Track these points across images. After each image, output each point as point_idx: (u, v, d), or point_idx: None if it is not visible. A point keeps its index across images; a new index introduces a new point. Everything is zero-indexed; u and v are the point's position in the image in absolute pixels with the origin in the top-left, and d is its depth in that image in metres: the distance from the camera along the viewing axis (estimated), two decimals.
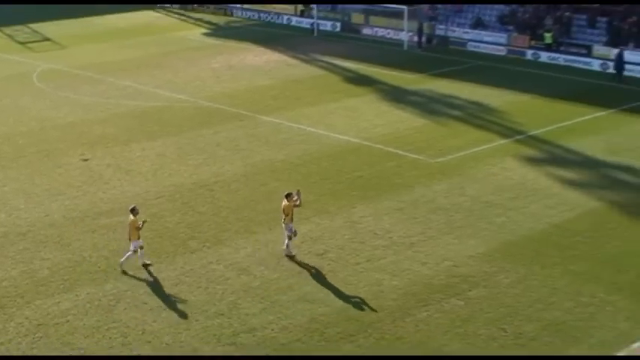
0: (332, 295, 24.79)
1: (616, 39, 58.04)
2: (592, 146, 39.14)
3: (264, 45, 64.00)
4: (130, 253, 26.26)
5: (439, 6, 67.52)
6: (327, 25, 70.19)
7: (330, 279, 25.85)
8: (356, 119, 43.75)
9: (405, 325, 23.08)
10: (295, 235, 27.42)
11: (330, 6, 71.73)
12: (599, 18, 60.48)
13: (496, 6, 66.03)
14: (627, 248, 28.09)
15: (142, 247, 26.34)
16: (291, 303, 24.27)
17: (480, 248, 27.96)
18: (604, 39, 58.80)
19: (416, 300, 24.50)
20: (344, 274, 26.09)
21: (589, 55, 58.02)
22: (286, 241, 27.39)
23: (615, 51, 55.79)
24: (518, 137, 40.78)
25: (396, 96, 48.84)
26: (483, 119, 44.14)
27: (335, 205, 31.82)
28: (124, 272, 26.18)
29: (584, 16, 61.39)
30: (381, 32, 67.47)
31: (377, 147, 38.95)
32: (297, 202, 27.33)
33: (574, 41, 60.28)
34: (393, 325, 23.11)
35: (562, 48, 59.61)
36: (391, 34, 65.89)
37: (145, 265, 26.52)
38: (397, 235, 28.79)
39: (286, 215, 27.16)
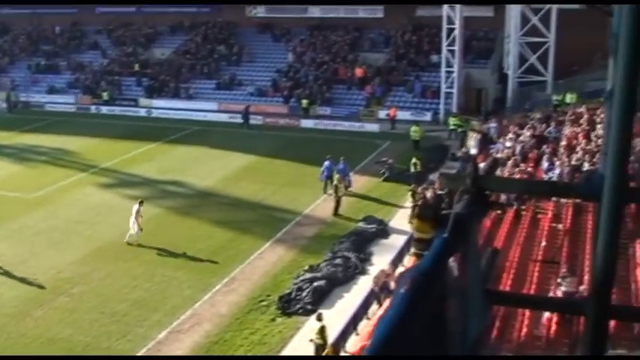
0: None
1: (152, 94, 59.06)
2: (148, 169, 39.50)
3: None
4: None
5: (18, 78, 64.02)
6: None
7: None
8: None
9: (26, 324, 21.78)
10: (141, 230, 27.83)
11: None
12: (143, 79, 61.12)
13: (65, 75, 64.14)
14: (182, 237, 28.75)
15: None
16: None
17: (76, 256, 27.01)
18: (145, 94, 59.51)
19: (33, 303, 23.16)
20: None
21: (137, 105, 58.42)
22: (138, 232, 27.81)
23: (154, 102, 57.62)
24: (93, 170, 39.81)
25: None
26: (65, 160, 42.54)
27: None
28: None
29: (133, 78, 61.63)
30: None
31: None
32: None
33: (125, 96, 60.22)
34: (16, 326, 21.66)
35: (117, 102, 59.26)
36: None
37: None
38: (9, 256, 26.80)
39: (141, 216, 28.01)
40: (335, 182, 31.75)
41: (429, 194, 26.29)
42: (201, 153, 43.48)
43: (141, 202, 28.73)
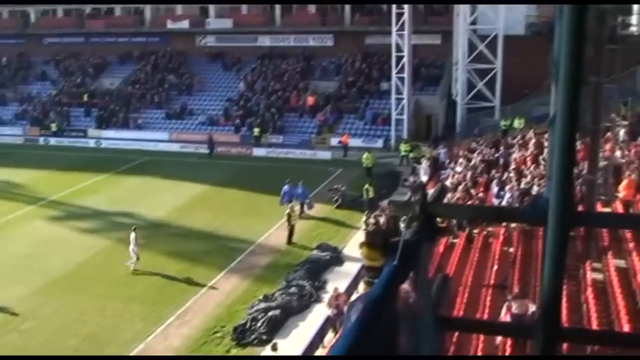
0: None
1: (101, 124, 58.54)
2: (98, 201, 38.86)
3: None
4: None
5: None
6: None
7: None
8: None
9: None
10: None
11: None
12: (92, 109, 60.40)
13: (12, 106, 63.25)
14: (134, 270, 28.37)
15: None
16: None
17: (25, 291, 26.34)
18: (94, 124, 58.85)
19: None
20: None
21: (86, 136, 57.82)
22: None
23: (104, 132, 57.25)
24: (41, 203, 39.05)
25: None
26: (12, 193, 41.65)
27: None
28: None
29: (82, 109, 60.89)
30: None
31: None
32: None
33: (74, 127, 59.50)
34: None
35: (65, 133, 58.52)
36: None
37: None
38: None
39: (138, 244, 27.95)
40: (288, 210, 31.67)
41: (381, 221, 26.38)
42: (152, 183, 43.02)
43: (134, 229, 28.52)
